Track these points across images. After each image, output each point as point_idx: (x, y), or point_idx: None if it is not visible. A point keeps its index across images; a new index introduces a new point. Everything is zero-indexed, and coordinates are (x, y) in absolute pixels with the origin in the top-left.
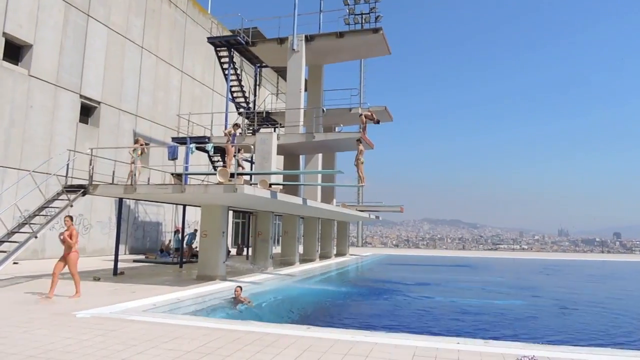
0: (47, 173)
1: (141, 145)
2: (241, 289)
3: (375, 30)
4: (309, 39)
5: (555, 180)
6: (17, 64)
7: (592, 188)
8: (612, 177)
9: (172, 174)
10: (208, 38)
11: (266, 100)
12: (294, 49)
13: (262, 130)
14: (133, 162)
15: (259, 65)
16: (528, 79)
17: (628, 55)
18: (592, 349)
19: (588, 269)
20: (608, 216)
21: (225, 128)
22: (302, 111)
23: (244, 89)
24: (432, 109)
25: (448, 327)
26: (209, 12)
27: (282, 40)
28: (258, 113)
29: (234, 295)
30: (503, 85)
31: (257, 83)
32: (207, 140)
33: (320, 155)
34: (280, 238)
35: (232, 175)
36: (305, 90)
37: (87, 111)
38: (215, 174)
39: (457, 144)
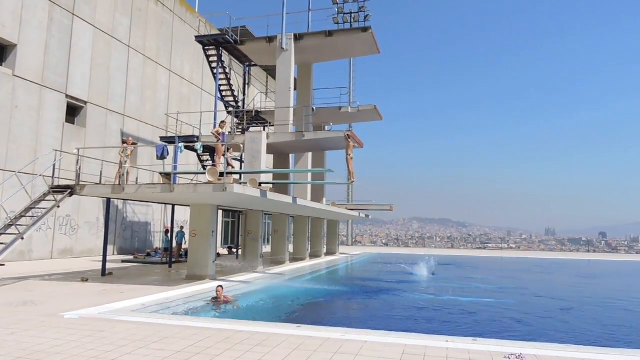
0: (33, 174)
1: (132, 144)
2: (222, 288)
3: (365, 30)
4: (298, 37)
5: (542, 180)
6: (1, 64)
7: (578, 188)
8: (598, 177)
9: (160, 174)
10: (196, 37)
11: (255, 99)
12: (283, 48)
13: (251, 129)
14: (124, 163)
15: (248, 64)
16: (516, 79)
17: (613, 57)
18: (579, 347)
19: (575, 268)
20: (594, 216)
21: (214, 127)
22: (291, 110)
23: (233, 88)
24: (422, 109)
25: (437, 325)
26: (196, 10)
27: (271, 39)
28: (247, 112)
29: (215, 296)
30: (492, 85)
31: (246, 82)
32: (196, 139)
33: (310, 154)
34: (270, 237)
35: (221, 174)
36: (295, 89)
37: (73, 111)
38: (204, 173)
39: (447, 144)
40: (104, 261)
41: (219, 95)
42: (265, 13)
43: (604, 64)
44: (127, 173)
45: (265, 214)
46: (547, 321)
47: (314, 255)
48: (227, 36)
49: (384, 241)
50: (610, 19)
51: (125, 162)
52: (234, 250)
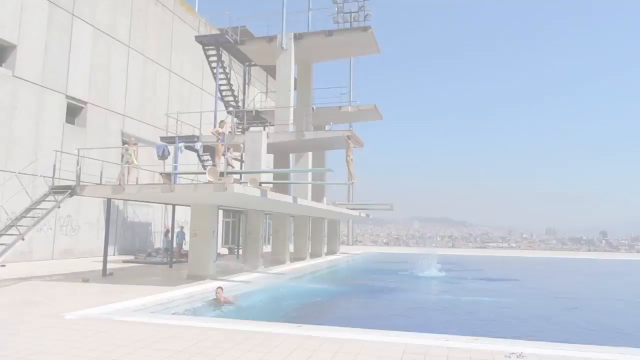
0: (33, 174)
1: (134, 144)
2: (222, 290)
3: (364, 29)
4: (298, 37)
5: (543, 180)
6: (0, 65)
7: (578, 187)
8: (599, 176)
9: (161, 174)
10: (196, 37)
11: (255, 99)
12: (283, 48)
13: (251, 128)
14: (128, 163)
15: (247, 63)
16: (518, 79)
17: (615, 58)
18: (580, 345)
19: (576, 267)
20: (594, 215)
21: (214, 127)
22: (291, 110)
23: (232, 88)
24: (422, 108)
25: (438, 325)
26: (196, 10)
27: (270, 39)
28: (247, 112)
29: (215, 297)
30: (493, 84)
31: (246, 82)
32: (196, 139)
33: (310, 154)
34: (271, 237)
35: (221, 174)
36: (295, 88)
37: (73, 111)
38: (204, 173)
39: (448, 143)
40: (105, 261)
41: (219, 95)
42: (265, 13)
43: (606, 63)
44: (130, 172)
45: (265, 213)
46: (548, 320)
47: (315, 254)
48: (227, 36)
49: (384, 240)
50: (610, 18)
51: (127, 161)
52: (235, 250)
